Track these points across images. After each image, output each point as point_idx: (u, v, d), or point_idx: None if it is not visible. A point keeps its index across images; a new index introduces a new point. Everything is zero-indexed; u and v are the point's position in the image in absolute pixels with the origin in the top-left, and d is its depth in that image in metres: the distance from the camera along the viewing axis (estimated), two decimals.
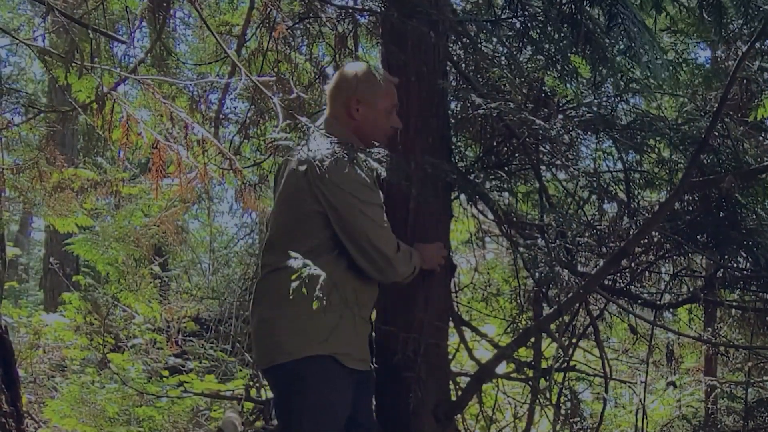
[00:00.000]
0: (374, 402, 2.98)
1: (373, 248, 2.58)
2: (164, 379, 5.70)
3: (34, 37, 6.27)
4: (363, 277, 2.65)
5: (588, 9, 2.60)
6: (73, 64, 2.18)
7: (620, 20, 2.42)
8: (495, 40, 2.88)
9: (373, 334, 2.88)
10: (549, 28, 2.59)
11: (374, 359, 2.97)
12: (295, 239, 2.57)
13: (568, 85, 2.96)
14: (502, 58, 2.93)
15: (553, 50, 2.66)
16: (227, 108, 5.44)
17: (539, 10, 2.67)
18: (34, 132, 5.28)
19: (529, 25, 2.71)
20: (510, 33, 2.88)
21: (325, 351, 2.55)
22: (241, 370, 5.97)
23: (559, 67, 2.71)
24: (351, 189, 2.53)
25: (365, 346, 2.73)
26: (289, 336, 2.58)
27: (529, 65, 3.01)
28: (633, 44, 2.44)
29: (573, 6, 2.57)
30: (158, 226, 5.45)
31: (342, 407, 2.61)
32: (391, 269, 2.63)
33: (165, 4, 3.80)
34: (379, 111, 2.73)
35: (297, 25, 3.49)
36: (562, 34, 2.55)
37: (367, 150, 2.46)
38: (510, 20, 2.85)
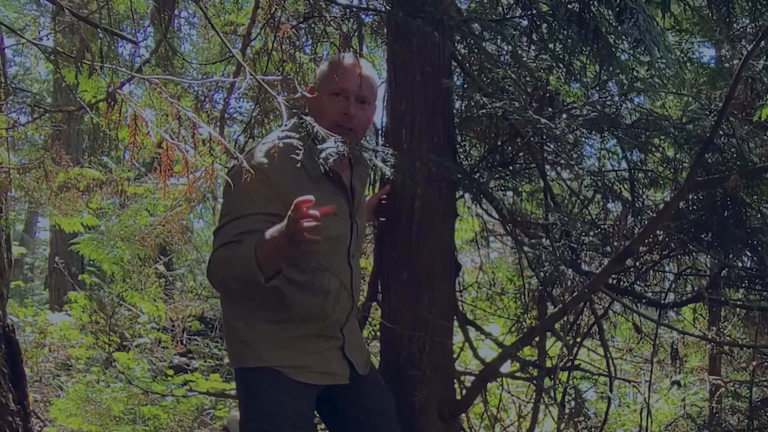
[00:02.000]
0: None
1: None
2: (169, 378, 5.72)
3: (39, 37, 6.29)
4: (301, 289, 2.48)
5: (596, 5, 2.59)
6: (84, 64, 2.18)
7: (630, 14, 2.41)
8: (500, 39, 2.88)
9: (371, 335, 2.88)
10: (556, 26, 2.58)
11: (380, 359, 2.98)
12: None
13: (573, 85, 2.96)
14: (507, 57, 2.93)
15: (559, 49, 2.66)
16: (232, 107, 5.46)
17: (546, 8, 2.67)
18: (40, 132, 5.29)
19: (535, 23, 2.71)
20: (515, 32, 2.88)
21: (266, 364, 2.47)
22: None
23: (565, 67, 2.71)
24: (228, 195, 2.43)
25: (328, 360, 2.58)
26: (237, 344, 2.55)
27: (534, 64, 3.02)
28: (644, 37, 2.43)
29: (581, 3, 2.56)
30: (163, 225, 5.45)
31: (294, 418, 2.48)
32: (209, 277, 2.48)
33: (170, 4, 3.82)
34: (322, 92, 2.58)
35: (301, 25, 3.50)
36: (570, 32, 2.54)
37: (374, 149, 2.46)
38: (516, 19, 2.85)
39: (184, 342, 6.72)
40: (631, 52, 2.66)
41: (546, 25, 2.67)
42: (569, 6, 2.61)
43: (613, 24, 2.59)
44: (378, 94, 2.75)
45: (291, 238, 2.14)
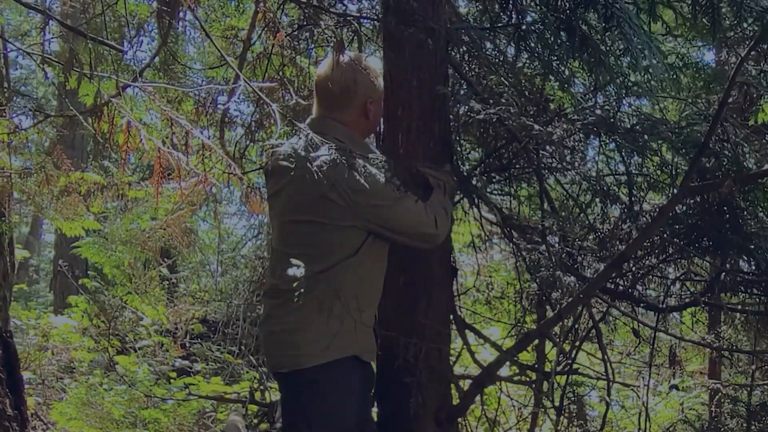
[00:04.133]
0: (375, 406, 2.99)
1: (419, 234, 2.67)
2: (171, 381, 5.73)
3: (43, 41, 6.31)
4: (371, 281, 2.69)
5: (584, 13, 2.59)
6: (73, 72, 2.20)
7: (616, 22, 2.42)
8: (491, 47, 2.89)
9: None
10: (546, 34, 2.58)
11: (376, 364, 2.98)
12: (312, 250, 2.58)
13: (566, 91, 2.96)
14: (501, 62, 2.93)
15: (548, 56, 2.66)
16: (234, 110, 5.47)
17: (535, 17, 2.67)
18: (43, 136, 5.32)
19: (524, 31, 2.71)
20: (506, 41, 2.88)
21: (348, 352, 2.58)
22: (247, 372, 5.99)
23: (554, 75, 2.71)
24: (372, 192, 2.52)
25: (373, 338, 2.75)
26: (309, 342, 2.56)
27: (528, 71, 3.01)
28: (629, 46, 2.44)
29: (569, 11, 2.57)
30: (164, 229, 5.47)
31: (355, 413, 2.62)
32: (437, 235, 2.71)
33: (171, 9, 3.82)
34: (381, 98, 2.82)
35: (296, 32, 3.51)
36: (559, 40, 2.55)
37: (368, 156, 2.48)
38: (506, 27, 2.85)
39: (186, 345, 6.72)
40: (623, 59, 2.65)
41: (535, 34, 2.68)
42: (557, 15, 2.61)
43: (601, 32, 2.60)
44: None
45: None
